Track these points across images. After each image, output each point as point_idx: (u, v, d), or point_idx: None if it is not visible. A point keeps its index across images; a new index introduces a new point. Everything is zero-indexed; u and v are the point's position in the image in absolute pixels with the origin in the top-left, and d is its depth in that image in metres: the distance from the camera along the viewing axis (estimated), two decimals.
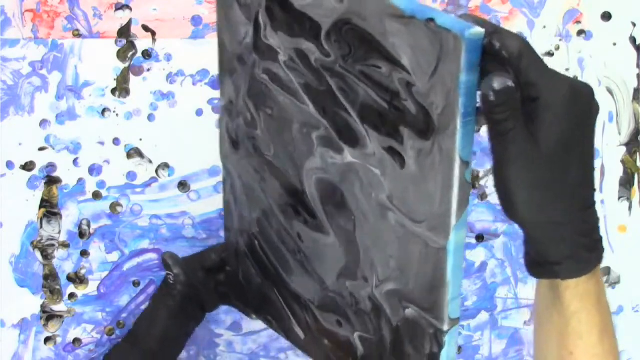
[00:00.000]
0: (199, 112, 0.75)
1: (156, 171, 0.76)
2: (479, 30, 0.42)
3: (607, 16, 0.78)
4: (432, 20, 0.43)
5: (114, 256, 0.76)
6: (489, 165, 0.75)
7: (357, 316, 0.57)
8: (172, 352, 0.70)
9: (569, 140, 0.45)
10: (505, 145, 0.45)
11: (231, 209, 0.68)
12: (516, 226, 0.76)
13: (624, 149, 0.79)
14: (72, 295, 0.76)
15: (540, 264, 0.49)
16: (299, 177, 0.58)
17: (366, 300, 0.56)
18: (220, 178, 0.72)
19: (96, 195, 0.75)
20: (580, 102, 0.45)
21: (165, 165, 0.75)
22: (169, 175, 0.75)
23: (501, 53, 0.43)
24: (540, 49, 0.78)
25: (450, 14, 0.44)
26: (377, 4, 0.46)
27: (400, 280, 0.52)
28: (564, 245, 0.47)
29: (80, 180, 0.75)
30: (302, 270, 0.61)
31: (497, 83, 0.43)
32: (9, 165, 0.74)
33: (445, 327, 0.49)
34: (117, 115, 0.75)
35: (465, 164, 0.45)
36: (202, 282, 0.68)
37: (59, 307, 0.75)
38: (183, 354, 0.76)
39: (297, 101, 0.55)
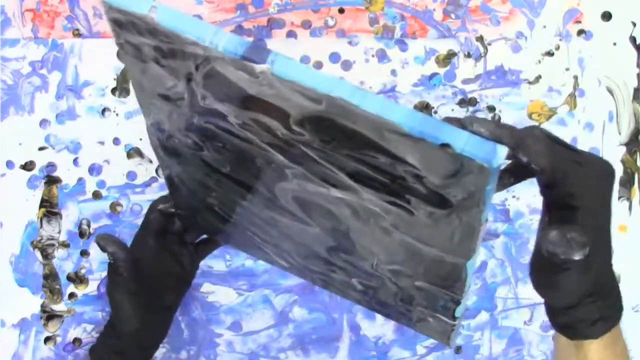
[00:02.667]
0: None
1: (156, 171, 0.76)
2: (504, 153, 0.38)
3: (607, 16, 0.78)
4: (447, 145, 0.38)
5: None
6: None
7: (356, 269, 0.56)
8: (155, 329, 0.66)
9: (604, 226, 0.46)
10: (554, 269, 0.45)
11: (176, 183, 0.60)
12: (516, 226, 0.76)
13: (624, 148, 0.79)
14: (72, 295, 0.76)
15: (570, 326, 0.50)
16: (269, 191, 0.53)
17: (367, 268, 0.54)
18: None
19: (96, 195, 0.75)
20: (610, 189, 0.46)
21: None
22: None
23: (530, 166, 0.43)
24: (540, 49, 0.78)
25: (463, 131, 0.38)
26: (371, 120, 0.39)
27: (409, 269, 0.51)
28: (595, 311, 0.49)
29: (80, 180, 0.75)
30: (279, 240, 0.59)
31: (561, 248, 0.43)
32: (9, 165, 0.74)
33: (462, 297, 0.49)
34: (117, 115, 0.75)
35: (486, 219, 0.42)
36: (152, 249, 0.63)
37: (59, 307, 0.75)
38: (183, 354, 0.76)
39: (260, 150, 0.48)
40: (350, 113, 0.39)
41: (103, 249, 0.62)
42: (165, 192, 0.63)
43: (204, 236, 0.67)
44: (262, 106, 0.43)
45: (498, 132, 0.42)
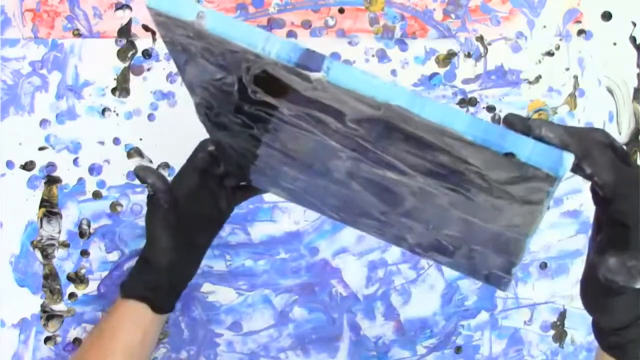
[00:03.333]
0: None
1: None
2: (570, 162, 0.37)
3: (607, 16, 0.78)
4: (512, 154, 0.38)
5: (114, 256, 0.76)
6: None
7: (411, 229, 0.56)
8: (187, 266, 0.65)
9: None
10: (609, 293, 0.45)
11: (223, 146, 0.60)
12: None
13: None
14: (72, 295, 0.75)
15: (620, 347, 0.49)
16: (322, 164, 0.52)
17: (422, 230, 0.54)
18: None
19: (96, 195, 0.75)
20: None
21: (166, 165, 0.75)
22: (169, 175, 0.75)
23: (593, 178, 0.42)
24: (540, 49, 0.78)
25: (528, 139, 0.38)
26: (432, 127, 0.38)
27: (466, 237, 0.51)
28: None
29: (80, 179, 0.75)
30: (331, 199, 0.58)
31: (621, 277, 0.42)
32: (9, 165, 0.74)
33: (518, 260, 0.49)
34: (117, 114, 0.75)
35: (548, 207, 0.42)
36: (194, 185, 0.63)
37: (59, 307, 0.75)
38: (183, 354, 0.76)
39: (313, 135, 0.48)
40: (409, 120, 0.39)
41: (142, 179, 0.61)
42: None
43: (243, 183, 0.67)
44: (317, 105, 0.43)
45: (567, 140, 0.41)
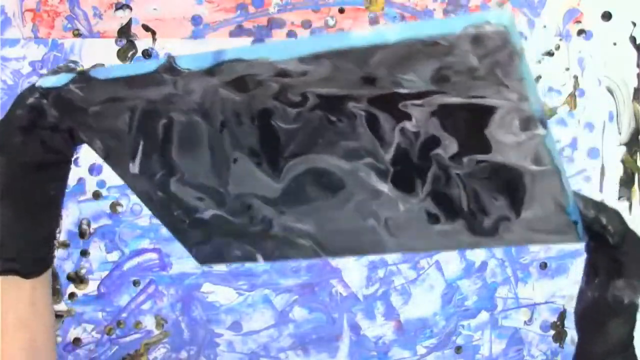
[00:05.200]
0: None
1: None
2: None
3: (607, 16, 0.78)
4: (576, 223, 0.42)
5: (114, 256, 0.76)
6: None
7: None
8: (29, 221, 0.58)
9: None
10: (606, 313, 0.49)
11: None
12: None
13: (624, 148, 0.79)
14: (72, 295, 0.76)
15: None
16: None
17: None
18: None
19: (96, 195, 0.75)
20: None
21: None
22: None
23: (607, 229, 0.47)
24: (540, 49, 0.78)
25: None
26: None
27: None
28: None
29: (80, 179, 0.75)
30: None
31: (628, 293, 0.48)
32: None
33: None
34: None
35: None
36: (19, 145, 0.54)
37: (59, 307, 0.75)
38: (183, 354, 0.76)
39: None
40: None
41: None
42: None
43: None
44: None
45: (584, 198, 0.46)
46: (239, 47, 0.38)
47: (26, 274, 0.61)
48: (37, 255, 0.62)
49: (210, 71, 0.39)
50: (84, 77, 0.42)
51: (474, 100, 0.37)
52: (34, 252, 0.61)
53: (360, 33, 0.35)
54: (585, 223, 0.45)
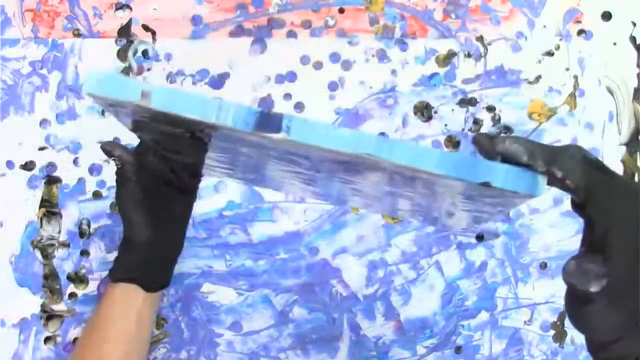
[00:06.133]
0: None
1: None
2: (545, 182, 0.39)
3: (607, 16, 0.78)
4: (487, 183, 0.40)
5: (114, 256, 0.76)
6: None
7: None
8: (168, 240, 0.64)
9: (635, 257, 0.43)
10: (579, 301, 0.44)
11: None
12: (516, 226, 0.76)
13: (624, 148, 0.79)
14: (72, 295, 0.76)
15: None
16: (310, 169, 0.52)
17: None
18: (220, 178, 0.72)
19: (96, 195, 0.75)
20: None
21: None
22: None
23: (565, 182, 0.42)
24: (540, 49, 0.78)
25: (499, 165, 0.39)
26: (404, 166, 0.40)
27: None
28: (636, 347, 0.46)
29: (80, 179, 0.75)
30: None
31: (578, 279, 0.43)
32: (9, 165, 0.74)
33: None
34: None
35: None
36: (153, 161, 0.59)
37: (59, 307, 0.75)
38: (183, 354, 0.76)
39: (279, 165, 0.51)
40: (379, 162, 0.39)
41: (109, 153, 0.61)
42: None
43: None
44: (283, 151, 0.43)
45: (533, 148, 0.42)
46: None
47: (147, 287, 0.63)
48: (161, 271, 0.63)
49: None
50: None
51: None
52: (157, 267, 0.63)
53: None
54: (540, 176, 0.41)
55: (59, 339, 0.76)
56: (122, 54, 0.74)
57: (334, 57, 0.76)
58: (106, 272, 0.75)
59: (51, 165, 0.75)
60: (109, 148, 0.61)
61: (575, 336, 0.80)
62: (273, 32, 0.76)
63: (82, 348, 0.64)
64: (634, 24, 0.78)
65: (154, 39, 0.74)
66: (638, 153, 0.79)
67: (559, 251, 0.79)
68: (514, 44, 0.78)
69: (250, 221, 0.76)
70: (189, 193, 0.63)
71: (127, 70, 0.74)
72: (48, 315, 0.75)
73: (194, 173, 0.62)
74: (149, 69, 0.74)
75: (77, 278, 0.76)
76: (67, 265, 0.75)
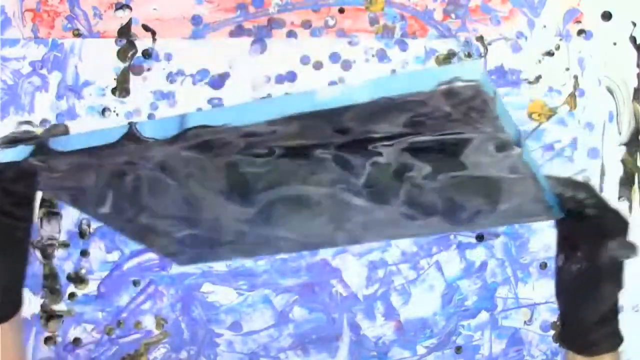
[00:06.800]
0: None
1: None
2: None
3: (607, 16, 0.78)
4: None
5: (114, 256, 0.76)
6: None
7: None
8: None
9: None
10: (594, 279, 0.49)
11: None
12: (516, 226, 0.76)
13: (624, 148, 0.79)
14: (72, 295, 0.75)
15: (596, 343, 0.52)
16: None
17: None
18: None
19: None
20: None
21: None
22: None
23: (584, 203, 0.47)
24: (540, 49, 0.78)
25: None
26: None
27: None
28: (616, 325, 0.53)
29: None
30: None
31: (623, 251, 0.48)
32: None
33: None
34: (117, 114, 0.75)
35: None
36: None
37: (59, 307, 0.75)
38: (183, 354, 0.76)
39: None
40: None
41: None
42: None
43: None
44: None
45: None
46: (204, 111, 0.38)
47: None
48: (7, 299, 0.59)
49: (175, 138, 0.38)
50: (43, 150, 0.40)
51: (448, 137, 0.38)
52: (3, 294, 0.59)
53: (327, 93, 0.34)
54: (563, 202, 0.46)
55: (59, 339, 0.76)
56: (122, 54, 0.74)
57: (334, 57, 0.76)
58: (106, 272, 0.76)
59: None
60: None
61: None
62: (273, 32, 0.76)
63: None
64: (634, 24, 0.78)
65: (154, 39, 0.74)
66: (638, 153, 0.80)
67: None
68: (514, 44, 0.78)
69: None
70: (27, 205, 0.60)
71: (126, 71, 0.74)
72: (48, 316, 0.75)
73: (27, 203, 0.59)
74: (149, 69, 0.74)
75: (77, 278, 0.76)
76: (67, 265, 0.75)
